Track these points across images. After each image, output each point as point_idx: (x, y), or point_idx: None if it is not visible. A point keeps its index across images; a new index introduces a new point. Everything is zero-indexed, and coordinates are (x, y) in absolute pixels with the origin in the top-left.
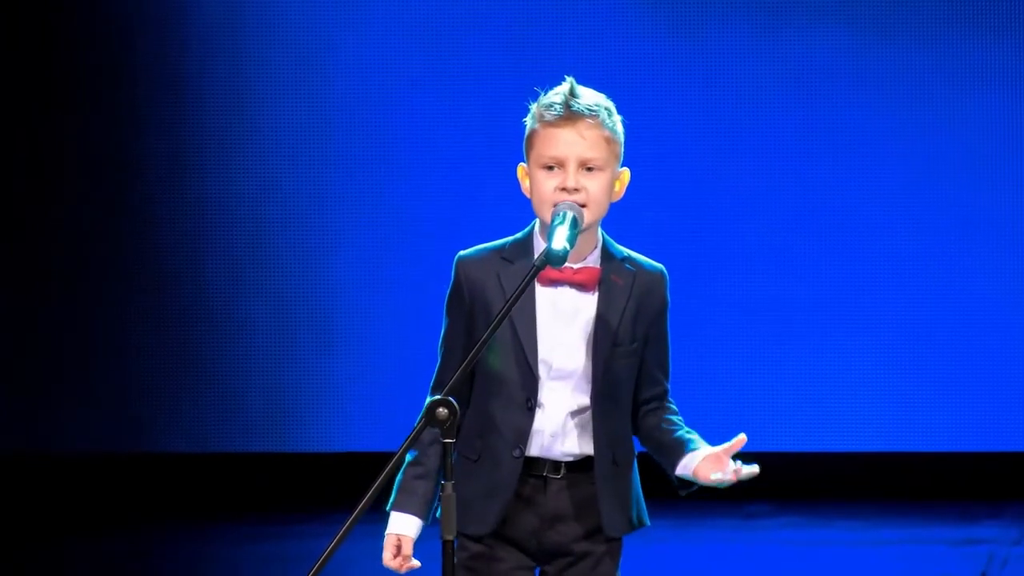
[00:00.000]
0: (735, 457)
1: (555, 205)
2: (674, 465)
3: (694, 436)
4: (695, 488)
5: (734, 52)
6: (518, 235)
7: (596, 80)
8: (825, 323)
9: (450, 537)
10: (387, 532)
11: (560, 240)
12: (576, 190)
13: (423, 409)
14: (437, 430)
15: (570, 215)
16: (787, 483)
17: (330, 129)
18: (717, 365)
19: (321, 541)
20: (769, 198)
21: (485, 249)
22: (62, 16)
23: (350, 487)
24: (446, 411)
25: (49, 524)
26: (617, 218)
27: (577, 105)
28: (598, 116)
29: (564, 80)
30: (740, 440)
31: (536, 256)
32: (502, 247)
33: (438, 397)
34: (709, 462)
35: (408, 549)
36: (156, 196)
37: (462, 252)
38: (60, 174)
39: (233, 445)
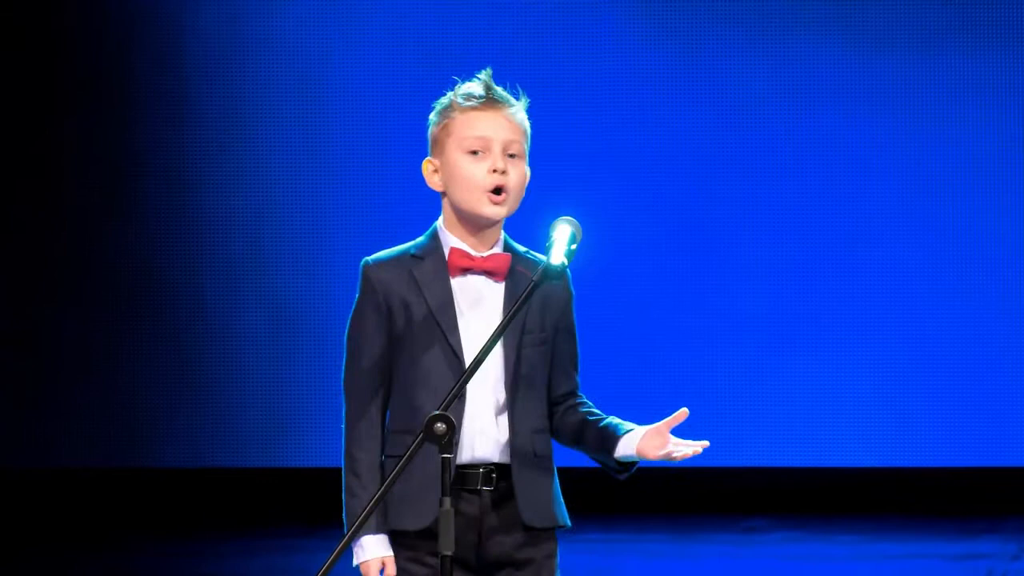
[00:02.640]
0: (675, 432)
1: (485, 191)
2: (611, 449)
3: (622, 421)
4: (634, 470)
5: (732, 65)
6: (421, 237)
7: (596, 91)
8: (824, 337)
9: (448, 552)
10: (366, 559)
11: (558, 255)
12: (504, 172)
13: (422, 426)
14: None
15: (569, 230)
16: (786, 498)
17: (330, 130)
18: (714, 379)
19: (319, 556)
20: (766, 210)
21: (392, 252)
22: (63, 18)
23: None
24: (444, 426)
25: (45, 538)
26: (614, 228)
27: (499, 93)
28: (519, 104)
29: (481, 72)
30: (682, 414)
31: (447, 251)
32: (409, 248)
33: (436, 412)
34: (651, 438)
35: (392, 569)
36: (155, 197)
37: (368, 257)
38: (60, 175)
39: (230, 460)
